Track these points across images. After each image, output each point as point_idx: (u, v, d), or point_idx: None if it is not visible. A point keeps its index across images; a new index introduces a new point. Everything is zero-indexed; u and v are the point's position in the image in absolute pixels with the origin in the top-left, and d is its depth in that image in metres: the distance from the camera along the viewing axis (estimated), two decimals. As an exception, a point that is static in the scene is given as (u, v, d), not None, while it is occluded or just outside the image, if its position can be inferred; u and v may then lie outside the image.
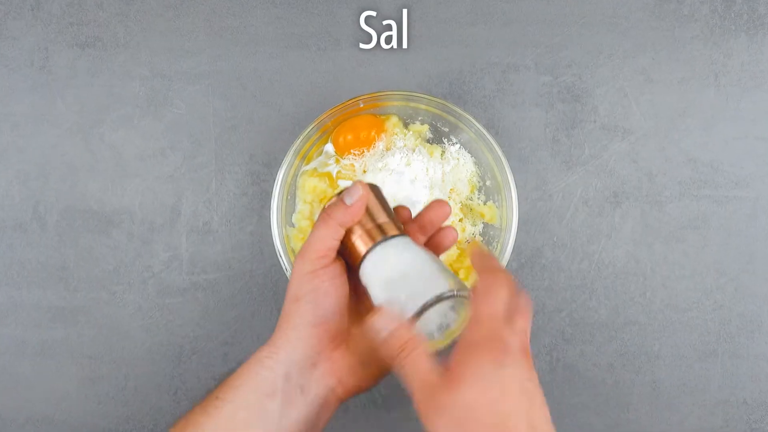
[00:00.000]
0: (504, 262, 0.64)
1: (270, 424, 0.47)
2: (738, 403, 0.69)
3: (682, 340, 0.69)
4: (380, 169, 0.65)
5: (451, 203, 0.67)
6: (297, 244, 0.66)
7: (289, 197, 0.66)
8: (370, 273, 0.49)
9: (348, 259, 0.51)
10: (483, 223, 0.68)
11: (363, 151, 0.66)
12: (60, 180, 0.70)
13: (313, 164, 0.67)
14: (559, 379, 0.69)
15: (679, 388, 0.69)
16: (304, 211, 0.67)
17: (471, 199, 0.68)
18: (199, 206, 0.69)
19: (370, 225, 0.50)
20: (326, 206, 0.50)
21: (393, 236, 0.50)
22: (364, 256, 0.49)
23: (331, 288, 0.48)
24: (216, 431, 0.47)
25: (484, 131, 0.64)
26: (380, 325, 0.44)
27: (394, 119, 0.68)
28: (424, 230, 0.52)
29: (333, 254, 0.49)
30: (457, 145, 0.68)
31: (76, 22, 0.69)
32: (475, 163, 0.68)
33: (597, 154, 0.70)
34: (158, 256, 0.69)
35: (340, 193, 0.50)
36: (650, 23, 0.70)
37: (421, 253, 0.49)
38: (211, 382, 0.69)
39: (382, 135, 0.67)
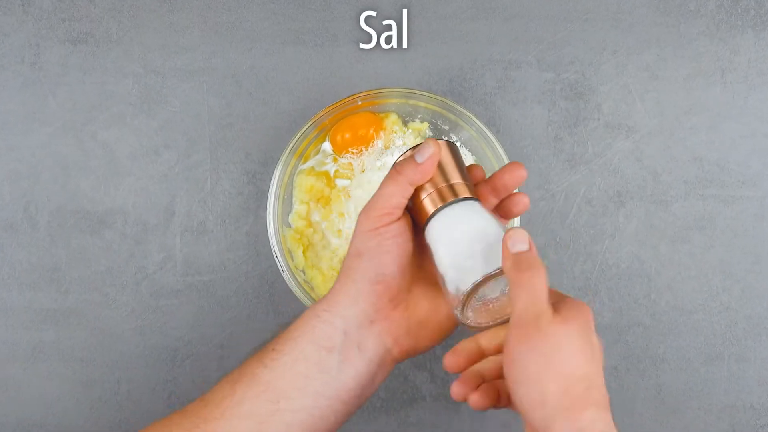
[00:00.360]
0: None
1: (328, 378, 0.47)
2: (745, 408, 0.69)
3: (687, 342, 0.69)
4: (379, 168, 0.65)
5: None
6: (293, 245, 0.66)
7: (285, 197, 0.66)
8: (436, 234, 0.48)
9: (415, 217, 0.50)
10: None
11: (361, 150, 0.66)
12: (51, 179, 0.69)
13: (310, 163, 0.67)
14: (561, 382, 0.68)
15: (685, 392, 0.69)
16: (301, 211, 0.67)
17: None
18: (193, 206, 0.69)
19: (441, 184, 0.49)
20: (396, 162, 0.49)
21: (463, 199, 0.49)
22: (431, 217, 0.49)
23: (394, 246, 0.48)
24: (274, 381, 0.47)
25: (485, 129, 0.64)
26: (519, 238, 0.44)
27: (393, 117, 0.67)
28: (496, 192, 0.51)
29: (399, 212, 0.49)
30: (458, 143, 0.68)
31: (68, 17, 0.69)
32: (476, 162, 0.68)
33: (600, 152, 0.70)
34: (152, 256, 0.69)
35: (414, 148, 0.50)
36: (655, 19, 0.69)
37: (490, 221, 0.48)
38: (206, 386, 0.65)
39: (381, 133, 0.66)
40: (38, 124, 0.69)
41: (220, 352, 0.69)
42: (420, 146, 0.49)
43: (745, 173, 0.69)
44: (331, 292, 0.49)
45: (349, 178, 0.66)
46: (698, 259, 0.69)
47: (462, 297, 0.46)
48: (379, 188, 0.49)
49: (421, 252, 0.51)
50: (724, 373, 0.69)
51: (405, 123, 0.68)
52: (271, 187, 0.64)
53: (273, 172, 0.64)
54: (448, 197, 0.49)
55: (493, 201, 0.52)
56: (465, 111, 0.64)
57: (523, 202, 0.52)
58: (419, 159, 0.48)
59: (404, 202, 0.49)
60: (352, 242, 0.49)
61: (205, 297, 0.68)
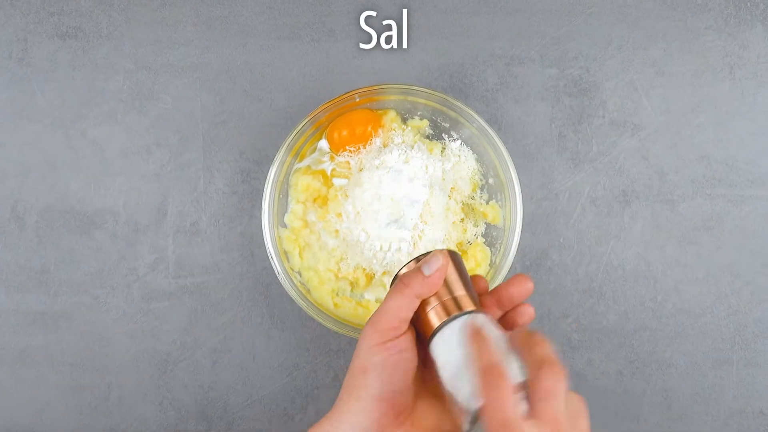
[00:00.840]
0: (507, 264, 0.63)
1: None
2: (754, 414, 0.68)
3: (695, 346, 0.69)
4: (377, 167, 0.65)
5: (452, 202, 0.66)
6: (289, 246, 0.66)
7: (281, 196, 0.66)
8: (443, 350, 0.48)
9: (418, 329, 0.50)
10: (485, 223, 0.67)
11: (359, 148, 0.66)
12: (40, 178, 0.69)
13: (306, 161, 0.67)
14: (565, 388, 0.68)
15: (692, 398, 0.68)
16: (297, 211, 0.66)
17: (473, 199, 0.67)
18: (186, 206, 0.69)
19: (446, 297, 0.49)
20: (403, 275, 0.49)
21: (468, 312, 0.48)
22: (436, 331, 0.48)
23: (401, 361, 0.47)
24: None
25: (487, 127, 0.64)
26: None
27: (391, 114, 0.67)
28: (501, 305, 0.51)
29: (405, 326, 0.48)
30: (458, 142, 0.67)
31: (57, 11, 0.69)
32: (477, 161, 0.67)
33: (605, 150, 0.69)
34: (143, 258, 0.68)
35: (418, 259, 0.49)
36: (662, 13, 0.69)
37: (497, 335, 0.47)
38: (198, 391, 0.68)
39: (379, 131, 0.66)
40: (26, 121, 0.69)
41: (213, 357, 0.69)
42: (427, 257, 0.49)
43: (754, 172, 0.69)
44: (334, 411, 0.48)
45: (347, 177, 0.66)
46: (706, 261, 0.69)
47: (472, 415, 0.45)
48: (386, 300, 0.48)
49: (424, 365, 0.50)
50: (732, 378, 0.68)
51: (404, 120, 0.68)
52: (266, 186, 0.63)
53: (268, 171, 0.64)
54: (452, 310, 0.48)
55: (497, 313, 0.51)
56: (466, 108, 0.64)
57: (528, 313, 0.51)
58: (427, 271, 0.48)
59: (410, 315, 0.48)
60: (356, 357, 0.48)
61: (198, 300, 0.68)
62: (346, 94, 0.64)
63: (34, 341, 0.68)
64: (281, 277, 0.64)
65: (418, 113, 0.68)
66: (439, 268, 0.48)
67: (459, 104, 0.64)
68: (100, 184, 0.69)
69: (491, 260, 0.66)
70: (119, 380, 0.68)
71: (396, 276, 0.50)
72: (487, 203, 0.67)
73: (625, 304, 0.69)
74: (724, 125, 0.69)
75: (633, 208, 0.69)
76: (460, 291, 0.49)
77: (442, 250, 0.49)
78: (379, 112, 0.67)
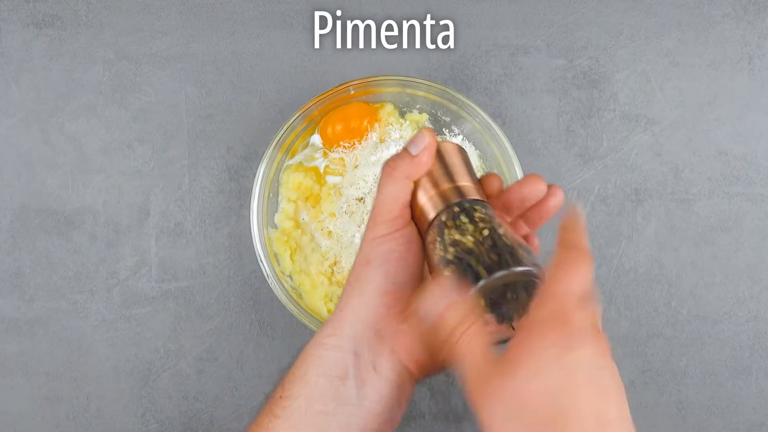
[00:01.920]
0: None
1: (351, 409, 0.45)
2: None
3: (712, 355, 0.68)
4: (374, 164, 0.64)
5: None
6: (279, 248, 0.65)
7: (271, 195, 0.65)
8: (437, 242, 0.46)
9: (417, 224, 0.48)
10: None
11: (354, 144, 0.65)
12: (14, 176, 0.68)
13: (297, 158, 0.66)
14: (574, 399, 0.66)
15: (709, 410, 0.68)
16: (288, 211, 0.66)
17: None
18: (170, 205, 0.68)
19: (446, 186, 0.47)
20: (389, 158, 0.48)
21: (472, 201, 0.46)
22: (433, 221, 0.46)
23: (407, 252, 0.46)
24: (293, 430, 0.44)
25: (490, 121, 0.63)
26: (431, 302, 0.42)
27: (388, 108, 0.67)
28: (509, 209, 0.49)
29: (408, 213, 0.47)
30: (460, 137, 0.67)
31: None
32: (480, 157, 0.67)
33: (616, 146, 0.69)
34: (124, 260, 0.68)
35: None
36: (676, 0, 0.69)
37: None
38: (183, 402, 0.68)
39: (376, 125, 0.66)
40: (-1, 115, 0.69)
41: (199, 366, 0.68)
42: (413, 138, 0.48)
43: (775, 169, 0.69)
44: (335, 312, 0.47)
45: (341, 175, 0.65)
46: (723, 264, 0.68)
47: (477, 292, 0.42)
48: (378, 192, 0.47)
49: (429, 263, 0.48)
50: (752, 388, 0.68)
51: (402, 114, 0.67)
52: (255, 184, 0.63)
53: (257, 168, 0.63)
54: (452, 198, 0.46)
55: (506, 219, 0.49)
56: (468, 101, 0.64)
57: (558, 196, 0.48)
58: (414, 150, 0.47)
59: (408, 199, 0.47)
60: (360, 251, 0.47)
61: (183, 305, 0.68)
62: (340, 86, 0.63)
63: (8, 349, 0.67)
64: (271, 281, 0.63)
65: (417, 106, 0.67)
66: (426, 146, 0.47)
67: (460, 97, 0.64)
68: (78, 181, 0.68)
69: None
70: (98, 391, 0.67)
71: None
72: None
73: (638, 310, 0.68)
74: (742, 119, 0.69)
75: (646, 207, 0.68)
76: (464, 181, 0.47)
77: (429, 129, 0.47)
78: (376, 105, 0.67)
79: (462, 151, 0.49)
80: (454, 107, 0.65)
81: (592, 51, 0.69)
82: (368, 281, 0.46)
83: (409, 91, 0.65)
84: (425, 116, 0.67)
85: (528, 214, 0.49)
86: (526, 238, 0.50)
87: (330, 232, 0.65)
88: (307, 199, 0.66)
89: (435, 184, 0.47)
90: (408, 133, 0.66)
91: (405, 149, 0.47)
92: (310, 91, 0.67)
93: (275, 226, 0.66)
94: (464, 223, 0.44)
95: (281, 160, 0.65)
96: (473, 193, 0.46)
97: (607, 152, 0.69)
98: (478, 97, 0.69)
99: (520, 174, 0.63)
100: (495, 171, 0.66)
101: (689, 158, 0.69)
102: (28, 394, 0.67)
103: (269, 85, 0.68)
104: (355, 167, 0.65)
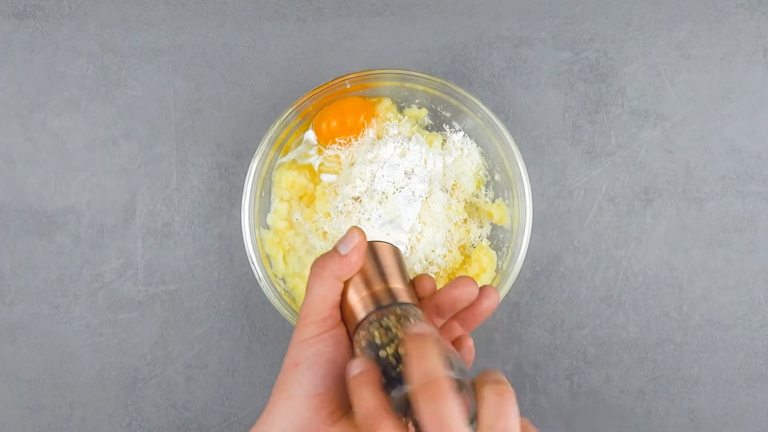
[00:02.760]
0: (515, 270, 0.63)
1: None
2: None
3: (725, 362, 0.68)
4: (370, 161, 0.63)
5: (453, 201, 0.65)
6: (272, 249, 0.65)
7: (263, 194, 0.65)
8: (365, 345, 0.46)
9: (346, 323, 0.49)
10: (491, 224, 0.66)
11: (350, 140, 0.65)
12: None
13: (291, 155, 0.66)
14: (580, 407, 0.67)
15: (722, 419, 0.67)
16: (281, 211, 0.65)
17: (477, 197, 0.66)
18: (157, 204, 0.68)
19: (377, 287, 0.47)
20: (318, 258, 0.49)
21: (401, 303, 0.46)
22: (361, 322, 0.47)
23: (336, 354, 0.47)
24: None
25: (493, 116, 0.63)
26: (355, 403, 0.43)
27: (386, 102, 0.66)
28: (441, 311, 0.50)
29: (337, 314, 0.48)
30: (461, 133, 0.66)
31: None
32: (482, 154, 0.66)
33: (625, 143, 0.68)
34: (109, 263, 0.67)
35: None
36: None
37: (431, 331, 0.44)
38: (171, 411, 0.67)
39: (373, 121, 0.65)
40: (-22, 110, 0.67)
41: (188, 373, 0.67)
42: (343, 237, 0.49)
43: (791, 167, 0.68)
44: (263, 416, 0.48)
45: (337, 173, 0.65)
46: (737, 266, 0.68)
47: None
48: (307, 292, 0.48)
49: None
50: (766, 396, 0.68)
51: (400, 109, 0.67)
52: (246, 183, 0.62)
53: (249, 166, 0.63)
54: (383, 301, 0.46)
55: (438, 321, 0.50)
56: (469, 95, 0.63)
57: (491, 298, 0.49)
58: (343, 250, 0.48)
59: (338, 300, 0.49)
60: (288, 353, 0.48)
61: (171, 309, 0.67)
62: (335, 80, 0.63)
63: (-12, 356, 0.67)
64: (263, 284, 0.62)
65: (416, 101, 0.66)
66: (356, 245, 0.48)
67: (462, 91, 0.63)
68: (61, 180, 0.67)
69: (497, 265, 0.65)
70: (82, 399, 0.67)
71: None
72: (493, 202, 0.66)
73: (647, 315, 0.68)
74: (757, 115, 0.68)
75: (656, 207, 0.68)
76: (395, 283, 0.47)
77: (359, 229, 0.49)
78: (373, 100, 0.66)
79: (396, 251, 0.49)
80: (454, 102, 0.64)
81: (599, 43, 0.68)
82: (297, 384, 0.47)
83: (407, 85, 0.64)
84: (424, 111, 0.66)
85: (461, 315, 0.50)
86: (458, 339, 0.50)
87: (325, 232, 0.64)
88: (300, 198, 0.65)
89: (367, 285, 0.47)
90: (407, 129, 0.65)
91: (335, 248, 0.48)
92: (304, 85, 0.67)
93: (267, 227, 0.65)
94: (390, 329, 0.45)
95: (274, 158, 0.65)
96: (404, 296, 0.47)
97: (615, 149, 0.68)
98: (480, 92, 0.68)
99: (524, 171, 0.62)
100: (498, 169, 0.65)
101: (701, 155, 0.68)
102: (9, 403, 0.67)
103: (261, 79, 0.68)
104: (351, 165, 0.64)
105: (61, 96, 0.67)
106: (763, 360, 0.67)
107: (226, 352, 0.67)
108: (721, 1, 0.68)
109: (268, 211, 0.65)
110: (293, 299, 0.64)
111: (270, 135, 0.63)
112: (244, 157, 0.68)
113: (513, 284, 0.62)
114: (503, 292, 0.61)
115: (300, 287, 0.64)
